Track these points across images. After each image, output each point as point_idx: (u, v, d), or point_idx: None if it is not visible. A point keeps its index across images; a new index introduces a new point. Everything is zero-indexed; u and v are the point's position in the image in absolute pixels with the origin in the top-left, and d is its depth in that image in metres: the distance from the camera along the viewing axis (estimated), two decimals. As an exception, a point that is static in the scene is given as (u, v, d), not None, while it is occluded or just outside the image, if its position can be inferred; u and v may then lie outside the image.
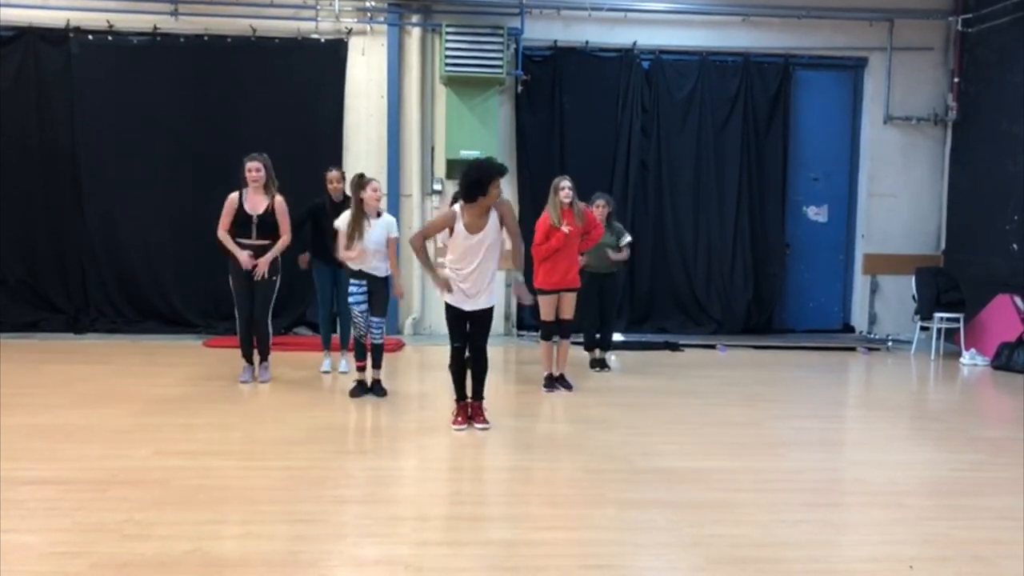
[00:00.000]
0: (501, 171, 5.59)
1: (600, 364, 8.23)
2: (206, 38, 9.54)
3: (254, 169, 7.00)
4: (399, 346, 9.12)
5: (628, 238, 8.20)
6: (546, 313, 7.27)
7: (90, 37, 9.44)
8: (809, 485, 4.95)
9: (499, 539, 3.98)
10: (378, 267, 6.72)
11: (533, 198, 9.56)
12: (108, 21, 9.41)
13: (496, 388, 7.17)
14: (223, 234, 7.05)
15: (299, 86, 9.64)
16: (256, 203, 7.05)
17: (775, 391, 7.68)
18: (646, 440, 5.78)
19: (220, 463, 5.02)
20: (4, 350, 8.33)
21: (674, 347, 9.59)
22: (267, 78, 9.56)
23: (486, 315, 5.91)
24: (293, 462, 5.08)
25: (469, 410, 5.98)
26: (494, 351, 6.17)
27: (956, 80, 10.22)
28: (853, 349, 9.86)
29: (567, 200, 7.20)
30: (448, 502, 4.53)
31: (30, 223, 9.51)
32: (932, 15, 10.25)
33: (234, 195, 7.09)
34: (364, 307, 6.72)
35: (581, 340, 8.33)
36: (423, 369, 8.33)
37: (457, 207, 5.76)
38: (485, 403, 6.05)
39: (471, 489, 4.89)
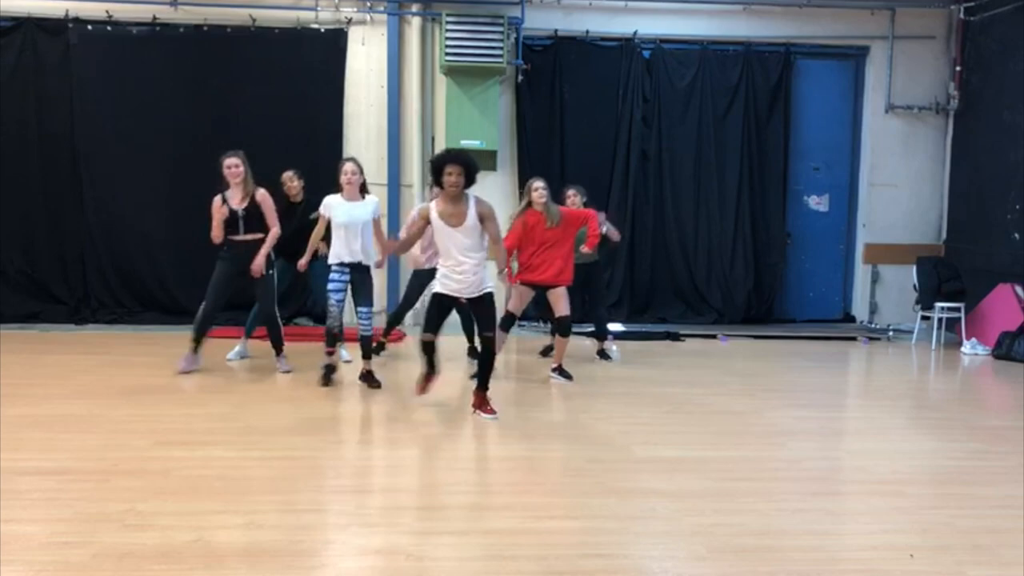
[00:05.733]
0: (451, 157, 5.72)
1: (601, 354, 8.22)
2: (205, 28, 9.50)
3: (233, 166, 6.96)
4: (399, 337, 9.12)
5: (605, 227, 7.96)
6: (514, 305, 7.20)
7: (89, 27, 9.40)
8: (809, 474, 4.95)
9: (500, 528, 3.98)
10: (362, 252, 6.68)
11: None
12: (107, 11, 9.37)
13: (495, 378, 7.15)
14: (218, 239, 7.05)
15: (299, 76, 9.60)
16: (239, 200, 7.03)
17: (776, 381, 7.68)
18: (646, 429, 5.78)
19: (221, 453, 5.03)
20: (4, 341, 8.33)
21: (675, 337, 9.59)
22: (267, 68, 9.53)
23: (483, 302, 5.90)
24: (294, 452, 5.08)
25: (474, 398, 6.07)
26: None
27: (958, 69, 10.18)
28: (854, 339, 9.86)
29: (541, 201, 7.05)
30: (449, 491, 4.53)
31: (29, 214, 9.50)
32: (934, 3, 10.20)
33: (217, 198, 7.04)
34: (341, 296, 6.71)
35: (582, 331, 8.35)
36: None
37: (432, 202, 5.88)
38: (489, 393, 6.06)
39: (472, 478, 4.89)
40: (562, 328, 7.20)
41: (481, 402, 6.00)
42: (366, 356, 6.78)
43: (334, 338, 6.74)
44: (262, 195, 7.09)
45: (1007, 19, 9.40)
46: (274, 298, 7.28)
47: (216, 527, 3.87)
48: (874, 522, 4.19)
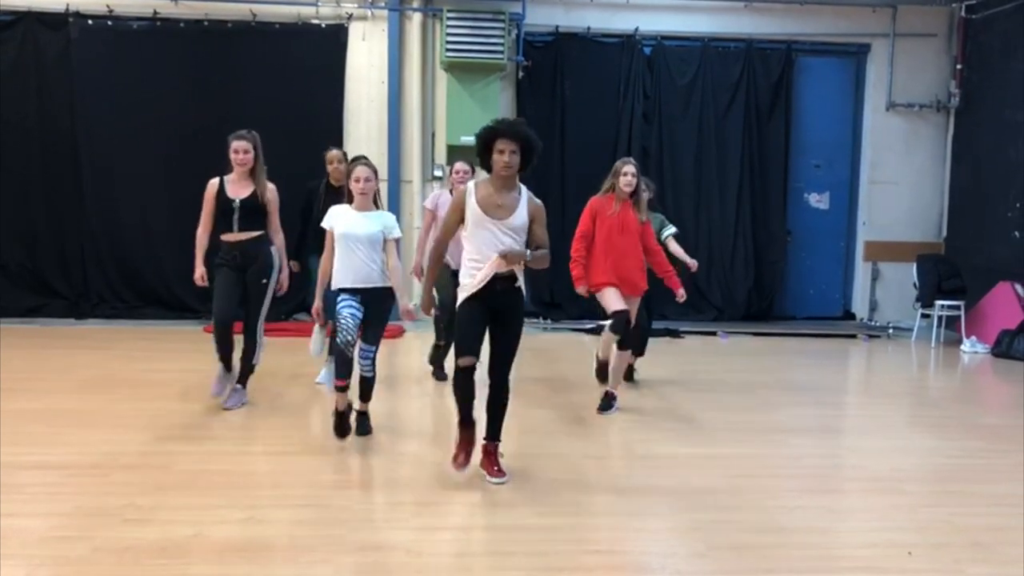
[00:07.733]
0: (504, 130, 4.42)
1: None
2: (206, 23, 9.51)
3: (241, 151, 5.75)
4: (399, 332, 9.12)
5: (672, 229, 7.07)
6: (614, 303, 5.87)
7: (90, 22, 9.41)
8: (809, 471, 4.96)
9: (499, 524, 3.99)
10: (371, 275, 5.16)
11: (533, 185, 9.51)
12: (108, 6, 9.38)
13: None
14: (201, 237, 5.86)
15: (299, 71, 9.61)
16: (239, 188, 5.81)
17: (775, 378, 7.68)
18: (646, 426, 5.79)
19: (221, 448, 5.04)
20: (5, 335, 8.33)
21: (674, 334, 9.59)
22: (267, 63, 9.54)
23: (513, 326, 4.55)
24: (293, 447, 5.09)
25: (480, 451, 4.63)
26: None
27: (959, 67, 10.19)
28: (854, 336, 9.87)
29: (628, 190, 6.05)
30: (448, 487, 4.53)
31: (30, 208, 9.51)
32: (935, 1, 10.19)
33: (214, 181, 5.86)
34: (354, 310, 5.06)
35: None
36: (424, 355, 8.30)
37: (471, 184, 4.64)
38: (501, 448, 4.68)
39: (471, 474, 4.89)
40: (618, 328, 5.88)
41: (488, 459, 4.60)
42: (364, 398, 5.35)
43: (349, 365, 5.09)
44: (272, 190, 5.94)
45: (1008, 17, 9.39)
46: (262, 314, 5.96)
47: (216, 522, 3.87)
48: (873, 519, 4.19)
